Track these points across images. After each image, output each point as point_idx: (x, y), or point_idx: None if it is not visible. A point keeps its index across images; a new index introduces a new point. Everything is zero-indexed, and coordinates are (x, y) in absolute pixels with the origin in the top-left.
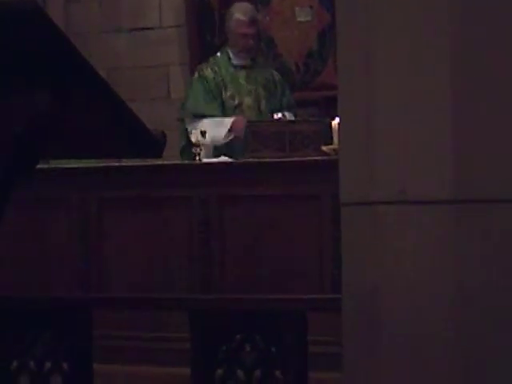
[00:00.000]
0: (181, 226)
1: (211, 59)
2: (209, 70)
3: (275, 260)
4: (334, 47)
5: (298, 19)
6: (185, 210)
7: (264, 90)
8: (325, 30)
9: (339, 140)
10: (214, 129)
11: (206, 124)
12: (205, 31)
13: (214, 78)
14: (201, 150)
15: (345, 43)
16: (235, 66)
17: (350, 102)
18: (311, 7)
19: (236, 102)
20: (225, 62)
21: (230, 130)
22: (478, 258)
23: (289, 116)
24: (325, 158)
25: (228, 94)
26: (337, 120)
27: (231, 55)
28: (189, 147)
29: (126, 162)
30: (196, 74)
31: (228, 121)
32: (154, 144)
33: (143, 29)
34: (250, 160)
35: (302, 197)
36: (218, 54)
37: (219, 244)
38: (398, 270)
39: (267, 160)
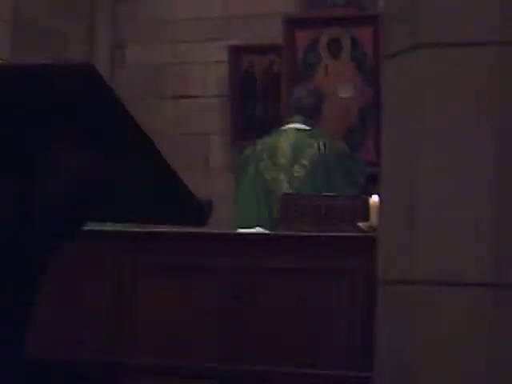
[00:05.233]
0: (211, 296)
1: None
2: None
3: (303, 333)
4: (374, 125)
5: (340, 95)
6: (216, 280)
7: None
8: (366, 106)
9: (379, 217)
10: None
11: None
12: (246, 103)
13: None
14: None
15: (390, 121)
16: None
17: (392, 179)
18: (354, 84)
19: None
20: None
21: None
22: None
23: None
24: (361, 234)
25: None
26: (375, 197)
27: None
28: None
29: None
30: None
31: None
32: (199, 211)
33: (187, 97)
34: (286, 232)
35: (336, 271)
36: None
37: (250, 315)
38: (430, 351)
39: (304, 234)
